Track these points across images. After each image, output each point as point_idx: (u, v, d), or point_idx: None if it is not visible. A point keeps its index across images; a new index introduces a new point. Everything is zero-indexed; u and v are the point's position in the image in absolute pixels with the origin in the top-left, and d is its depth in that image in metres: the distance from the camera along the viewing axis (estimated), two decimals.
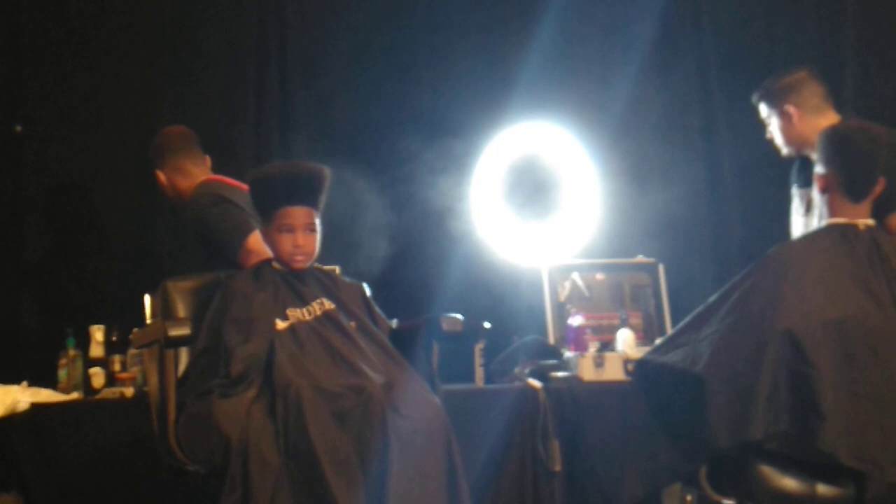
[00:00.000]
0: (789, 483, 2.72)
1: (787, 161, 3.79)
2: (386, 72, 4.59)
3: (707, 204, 4.67)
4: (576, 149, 4.54)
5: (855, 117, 4.24)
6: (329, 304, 3.00)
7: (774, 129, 3.70)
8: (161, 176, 3.70)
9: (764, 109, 3.73)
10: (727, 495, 2.78)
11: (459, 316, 3.05)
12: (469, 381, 3.76)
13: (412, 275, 4.34)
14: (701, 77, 4.68)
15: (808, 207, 3.58)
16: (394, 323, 3.18)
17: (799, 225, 3.65)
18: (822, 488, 2.71)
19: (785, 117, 3.66)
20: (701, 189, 4.67)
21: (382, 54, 4.58)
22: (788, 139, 3.67)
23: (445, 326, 3.00)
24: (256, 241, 3.34)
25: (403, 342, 3.05)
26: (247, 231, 3.41)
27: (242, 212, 3.46)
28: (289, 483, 2.62)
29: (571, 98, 4.53)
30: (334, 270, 3.44)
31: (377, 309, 3.14)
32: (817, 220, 3.45)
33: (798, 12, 4.75)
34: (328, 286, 3.08)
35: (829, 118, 3.58)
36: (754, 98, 3.76)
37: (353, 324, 3.00)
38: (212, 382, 2.81)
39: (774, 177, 4.02)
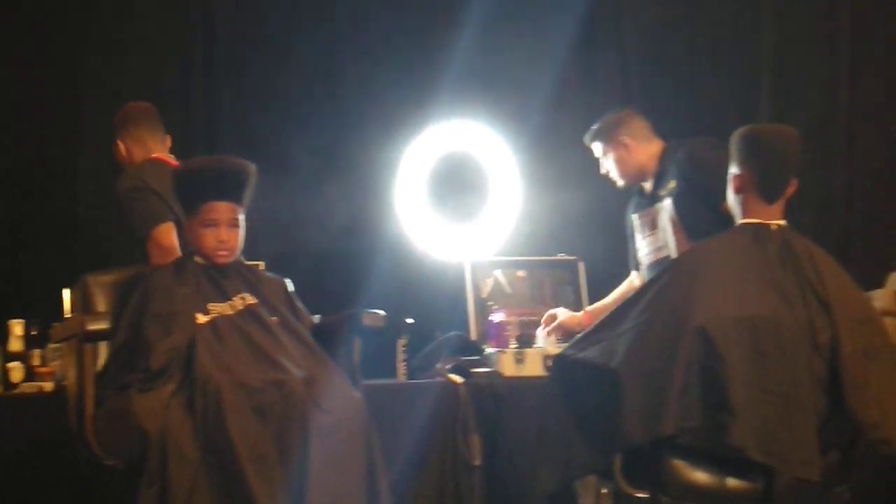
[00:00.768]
0: (700, 476, 2.76)
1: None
2: (312, 70, 4.59)
3: (625, 202, 4.74)
4: (500, 147, 4.58)
5: (768, 120, 4.37)
6: (251, 299, 3.00)
7: (612, 164, 3.90)
8: (121, 146, 3.70)
9: (599, 147, 3.92)
10: (640, 488, 2.81)
11: (381, 312, 3.07)
12: (391, 377, 3.79)
13: (337, 271, 4.35)
14: (622, 78, 4.76)
15: (653, 225, 3.82)
16: (316, 318, 3.19)
17: (644, 245, 3.89)
18: (732, 482, 2.76)
19: (621, 148, 3.87)
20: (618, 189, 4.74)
21: (308, 53, 4.58)
22: (627, 169, 3.88)
23: (367, 322, 3.02)
24: (163, 234, 3.37)
25: (326, 338, 3.06)
26: (155, 222, 3.41)
27: (161, 203, 3.44)
28: (207, 478, 2.62)
29: (495, 97, 4.57)
30: (258, 266, 3.44)
31: (300, 304, 3.15)
32: (667, 235, 3.72)
33: (718, 16, 4.85)
34: (251, 281, 3.08)
35: (658, 144, 3.87)
36: (588, 139, 3.96)
37: (275, 319, 3.00)
38: (131, 377, 2.80)
39: None
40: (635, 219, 3.94)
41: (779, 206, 2.94)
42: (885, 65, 4.94)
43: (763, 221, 2.90)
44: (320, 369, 2.85)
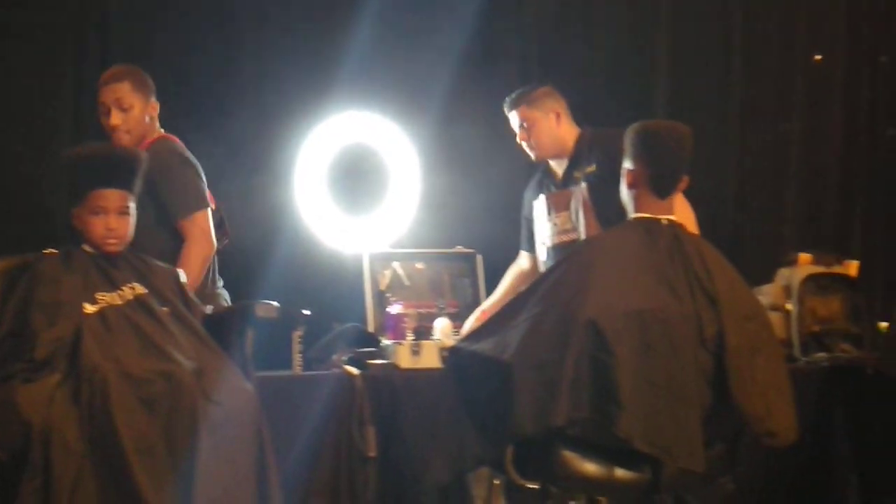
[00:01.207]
0: (590, 467, 2.80)
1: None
2: (211, 61, 4.53)
3: (524, 189, 4.79)
4: (399, 139, 4.58)
5: (664, 117, 4.45)
6: (141, 289, 2.95)
7: (537, 133, 3.86)
8: (152, 109, 3.63)
9: (526, 113, 3.86)
10: (531, 479, 2.84)
11: (274, 303, 3.04)
12: (287, 368, 3.75)
13: (234, 261, 4.29)
14: (522, 71, 4.79)
15: (562, 207, 3.82)
16: (208, 309, 3.15)
17: (549, 227, 3.87)
18: (621, 472, 2.80)
19: (552, 117, 3.85)
20: (519, 182, 4.77)
21: (206, 46, 4.52)
22: (550, 142, 3.86)
23: (260, 313, 2.99)
24: (206, 217, 3.51)
25: (218, 329, 3.02)
26: (204, 204, 3.53)
27: (203, 183, 3.57)
28: (92, 471, 2.57)
29: (395, 89, 4.57)
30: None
31: (191, 294, 3.11)
32: (578, 218, 3.73)
33: (615, 12, 4.92)
34: (141, 271, 3.02)
35: (576, 127, 3.90)
36: (515, 104, 3.89)
37: (165, 309, 2.95)
38: (14, 367, 2.72)
39: None
40: (542, 199, 3.93)
41: (670, 202, 2.99)
42: (776, 66, 5.09)
43: (654, 216, 2.95)
44: (211, 361, 2.81)
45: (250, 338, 3.02)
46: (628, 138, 3.02)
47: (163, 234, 3.51)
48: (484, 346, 2.87)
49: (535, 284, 2.93)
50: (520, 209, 4.25)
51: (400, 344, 3.77)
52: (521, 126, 3.89)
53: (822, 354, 4.20)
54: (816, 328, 4.26)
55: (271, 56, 4.56)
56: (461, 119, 4.68)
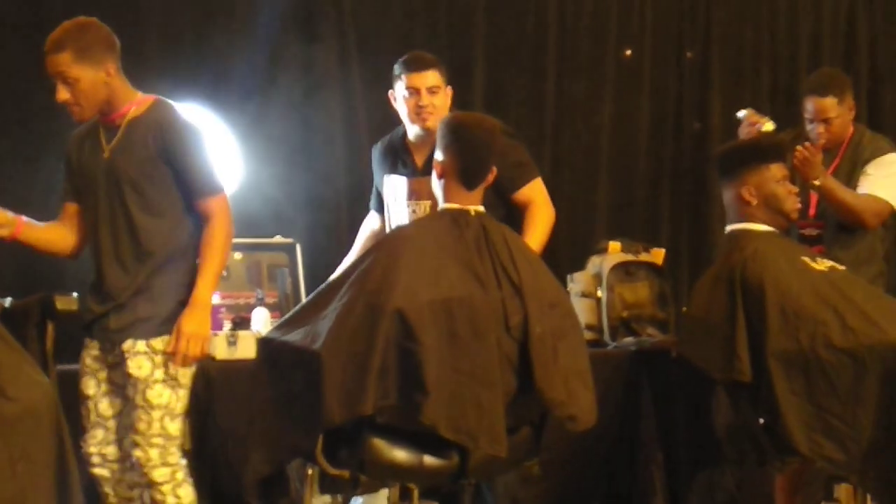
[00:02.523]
0: (399, 454, 2.83)
1: None
2: (9, 47, 4.37)
3: (344, 185, 4.80)
4: (217, 127, 4.51)
5: (480, 111, 4.52)
6: None
7: (439, 100, 3.71)
8: (103, 72, 3.04)
9: (438, 78, 3.74)
10: (342, 468, 2.85)
11: (74, 294, 2.97)
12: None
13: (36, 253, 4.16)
14: (341, 59, 4.79)
15: (421, 195, 3.67)
16: (7, 302, 3.05)
17: (404, 213, 3.73)
18: (429, 459, 2.84)
19: (447, 97, 3.74)
20: (339, 170, 4.79)
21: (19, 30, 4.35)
22: (444, 114, 3.64)
23: (60, 306, 2.91)
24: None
25: (16, 322, 2.93)
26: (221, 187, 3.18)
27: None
28: None
29: (212, 76, 4.50)
30: None
31: None
32: None
33: (433, 4, 4.98)
34: None
35: None
36: (431, 63, 3.74)
37: None
38: None
39: None
40: (401, 181, 3.77)
41: (478, 193, 3.04)
42: (588, 60, 5.24)
43: (463, 207, 3.00)
44: (6, 355, 2.71)
45: (51, 331, 2.94)
46: (439, 130, 3.06)
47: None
48: (294, 337, 2.86)
49: (344, 274, 2.94)
50: (339, 200, 4.26)
51: (216, 335, 3.73)
52: (430, 90, 3.70)
53: (630, 339, 4.37)
54: (625, 314, 4.42)
55: None
56: (279, 108, 4.65)
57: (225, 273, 4.17)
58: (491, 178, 3.09)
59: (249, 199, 4.55)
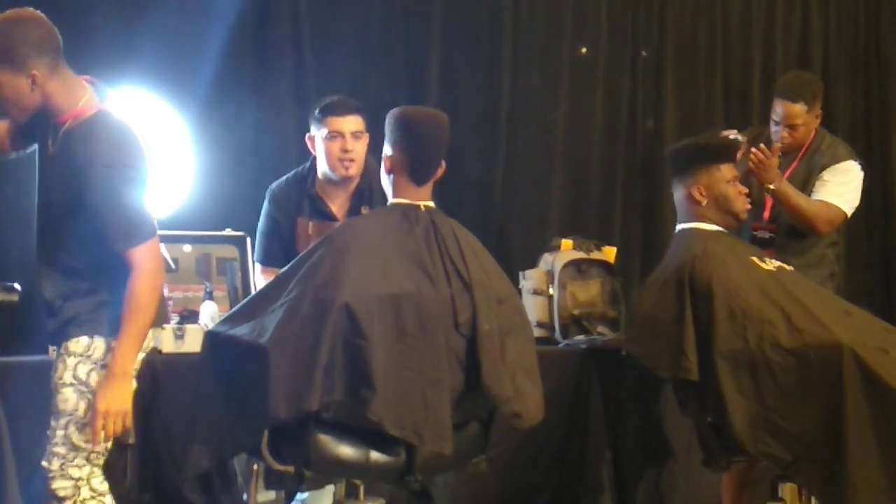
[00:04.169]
0: (345, 450, 2.80)
1: None
2: None
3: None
4: (167, 115, 4.45)
5: (436, 105, 4.50)
6: None
7: (361, 146, 3.75)
8: (31, 75, 2.70)
9: (362, 123, 3.77)
10: (287, 463, 2.82)
11: (16, 285, 2.92)
12: (44, 353, 3.60)
13: None
14: (295, 50, 4.75)
15: None
16: None
17: None
18: (375, 455, 2.81)
19: (365, 144, 3.75)
20: (290, 163, 4.73)
21: None
22: (362, 162, 3.74)
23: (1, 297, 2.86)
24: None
25: None
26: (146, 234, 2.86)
27: None
28: None
29: (164, 66, 4.43)
30: None
31: None
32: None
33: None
34: None
35: None
36: (356, 108, 3.78)
37: None
38: None
39: None
40: (327, 226, 3.74)
41: (428, 188, 3.02)
42: (543, 57, 5.24)
43: (412, 202, 2.98)
44: None
45: None
46: (388, 124, 3.03)
47: None
48: (241, 330, 2.82)
49: (293, 268, 2.90)
50: None
51: (163, 328, 3.68)
52: (355, 134, 3.74)
53: (581, 337, 4.37)
54: (576, 312, 4.42)
55: None
56: (231, 98, 4.60)
57: (174, 265, 4.13)
58: (440, 172, 3.07)
59: (200, 191, 4.51)
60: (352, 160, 3.72)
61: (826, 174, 3.98)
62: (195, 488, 3.51)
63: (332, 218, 3.78)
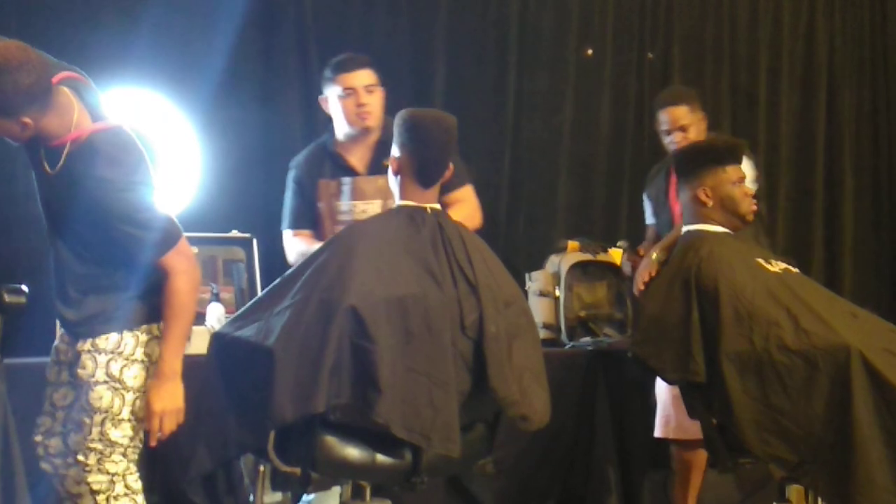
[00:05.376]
0: (351, 452, 2.80)
1: None
2: None
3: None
4: (176, 119, 4.46)
5: (442, 107, 4.51)
6: None
7: (376, 99, 3.67)
8: (31, 118, 2.65)
9: (373, 76, 3.69)
10: (293, 465, 2.82)
11: (24, 287, 2.92)
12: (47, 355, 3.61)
13: None
14: (300, 52, 4.76)
15: (370, 195, 3.63)
16: None
17: (349, 216, 3.67)
18: (381, 457, 2.82)
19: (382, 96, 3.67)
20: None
21: None
22: (381, 113, 3.67)
23: (7, 298, 2.86)
24: None
25: None
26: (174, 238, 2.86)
27: None
28: None
29: (171, 68, 4.44)
30: None
31: None
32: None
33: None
34: None
35: None
36: (361, 63, 3.68)
37: None
38: None
39: None
40: (345, 182, 3.70)
41: (434, 191, 3.02)
42: (549, 59, 5.24)
43: (419, 204, 2.98)
44: None
45: None
46: (395, 126, 3.04)
47: None
48: (247, 332, 2.83)
49: (299, 270, 2.91)
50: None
51: None
52: (367, 88, 3.66)
53: (587, 339, 4.37)
54: (582, 314, 4.43)
55: (33, 23, 4.33)
56: (238, 100, 4.61)
57: None
58: (448, 174, 3.07)
59: (206, 193, 4.52)
60: (368, 112, 3.64)
61: None
62: (201, 490, 3.52)
63: (352, 172, 3.70)
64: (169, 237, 2.79)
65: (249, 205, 4.53)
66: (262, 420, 2.74)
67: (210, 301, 3.96)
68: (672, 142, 4.10)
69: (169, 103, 4.43)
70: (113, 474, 2.82)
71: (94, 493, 2.81)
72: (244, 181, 4.60)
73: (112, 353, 2.82)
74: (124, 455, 2.84)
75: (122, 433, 2.82)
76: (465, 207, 3.62)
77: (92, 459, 2.80)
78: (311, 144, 3.89)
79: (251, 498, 3.44)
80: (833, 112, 5.86)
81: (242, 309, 3.02)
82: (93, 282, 2.81)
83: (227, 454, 2.91)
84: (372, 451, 2.82)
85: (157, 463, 3.55)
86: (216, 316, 3.90)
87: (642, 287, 3.64)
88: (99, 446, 2.80)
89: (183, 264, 2.80)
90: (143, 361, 2.85)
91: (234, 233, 4.28)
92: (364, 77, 3.67)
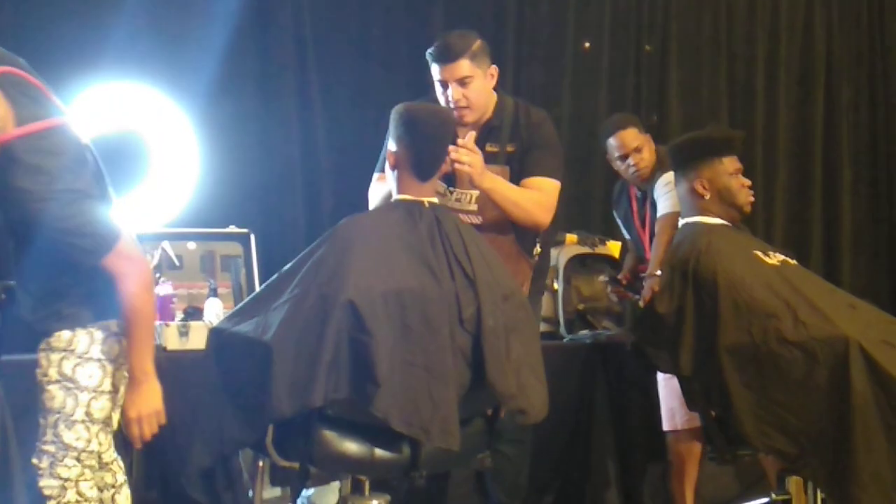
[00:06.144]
0: (350, 446, 2.80)
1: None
2: None
3: (300, 175, 4.76)
4: (173, 115, 4.46)
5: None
6: None
7: (477, 89, 3.46)
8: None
9: (471, 67, 3.45)
10: (292, 459, 2.83)
11: (11, 283, 2.90)
12: None
13: None
14: (298, 47, 4.75)
15: (463, 184, 3.45)
16: None
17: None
18: (380, 452, 2.81)
19: (489, 78, 3.51)
20: (294, 159, 4.75)
21: None
22: (482, 102, 3.49)
23: (2, 295, 2.85)
24: None
25: None
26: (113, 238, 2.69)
27: None
28: None
29: (167, 60, 4.44)
30: None
31: None
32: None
33: None
34: None
35: (494, 93, 3.58)
36: (455, 53, 3.41)
37: None
38: None
39: (365, 148, 4.03)
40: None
41: (432, 184, 3.02)
42: (547, 52, 5.24)
43: (416, 198, 2.97)
44: None
45: None
46: (392, 119, 3.03)
47: None
48: (245, 327, 2.82)
49: (296, 265, 2.90)
50: (293, 188, 4.18)
51: (167, 325, 3.69)
52: (460, 81, 3.42)
53: (585, 332, 4.37)
54: (581, 307, 4.42)
55: (31, 20, 4.33)
56: (234, 96, 4.61)
57: (178, 262, 4.13)
58: (445, 168, 3.06)
59: (203, 189, 4.51)
60: (463, 107, 3.43)
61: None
62: (200, 485, 3.52)
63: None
64: (103, 242, 2.57)
65: (247, 200, 4.52)
66: (261, 415, 2.74)
67: (208, 296, 3.96)
68: (630, 164, 4.21)
69: (166, 99, 4.43)
70: (65, 479, 2.65)
71: (46, 498, 2.64)
72: (241, 176, 4.60)
73: (64, 350, 2.66)
74: (78, 460, 2.67)
75: (75, 435, 2.66)
76: (536, 196, 3.48)
77: (45, 463, 2.65)
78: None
79: (250, 493, 3.44)
80: (831, 104, 5.86)
81: (240, 304, 3.02)
82: (43, 282, 2.68)
83: (226, 449, 2.91)
84: (370, 446, 2.82)
85: (155, 458, 3.55)
86: (214, 311, 3.90)
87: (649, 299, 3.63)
88: (52, 448, 2.65)
89: (125, 267, 2.61)
90: (99, 360, 2.68)
91: (232, 228, 4.27)
92: (455, 70, 3.42)
